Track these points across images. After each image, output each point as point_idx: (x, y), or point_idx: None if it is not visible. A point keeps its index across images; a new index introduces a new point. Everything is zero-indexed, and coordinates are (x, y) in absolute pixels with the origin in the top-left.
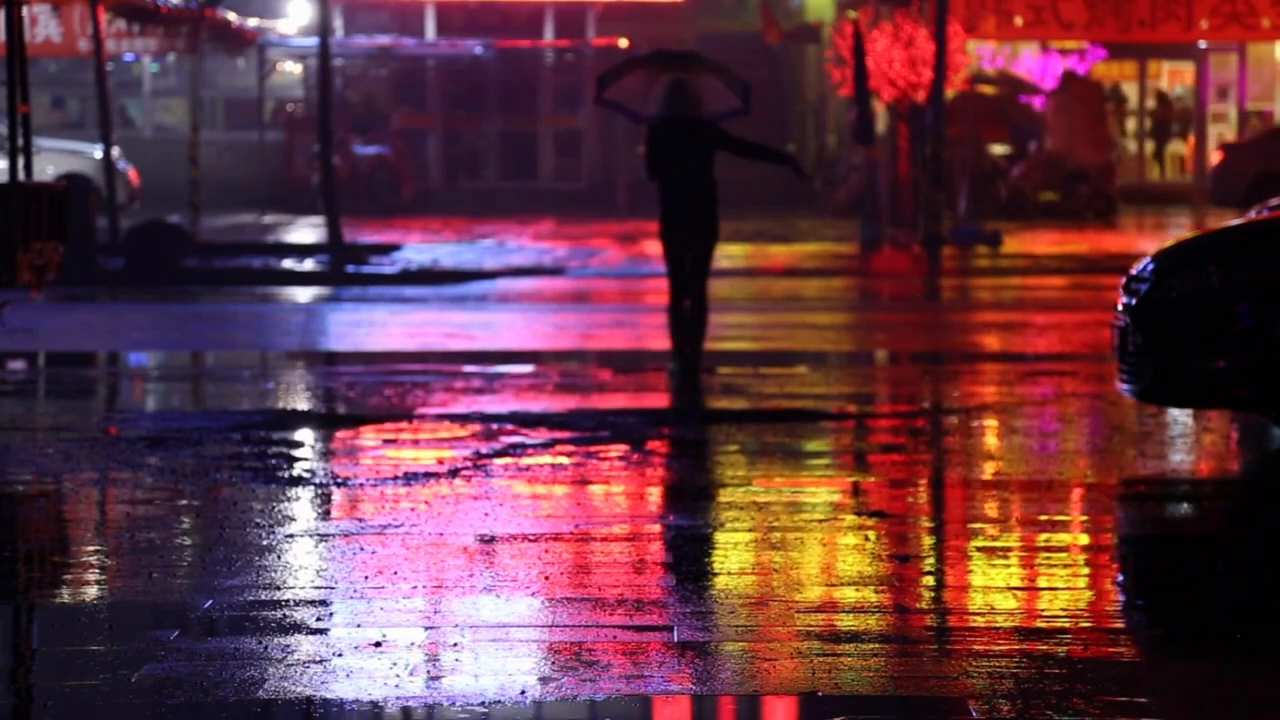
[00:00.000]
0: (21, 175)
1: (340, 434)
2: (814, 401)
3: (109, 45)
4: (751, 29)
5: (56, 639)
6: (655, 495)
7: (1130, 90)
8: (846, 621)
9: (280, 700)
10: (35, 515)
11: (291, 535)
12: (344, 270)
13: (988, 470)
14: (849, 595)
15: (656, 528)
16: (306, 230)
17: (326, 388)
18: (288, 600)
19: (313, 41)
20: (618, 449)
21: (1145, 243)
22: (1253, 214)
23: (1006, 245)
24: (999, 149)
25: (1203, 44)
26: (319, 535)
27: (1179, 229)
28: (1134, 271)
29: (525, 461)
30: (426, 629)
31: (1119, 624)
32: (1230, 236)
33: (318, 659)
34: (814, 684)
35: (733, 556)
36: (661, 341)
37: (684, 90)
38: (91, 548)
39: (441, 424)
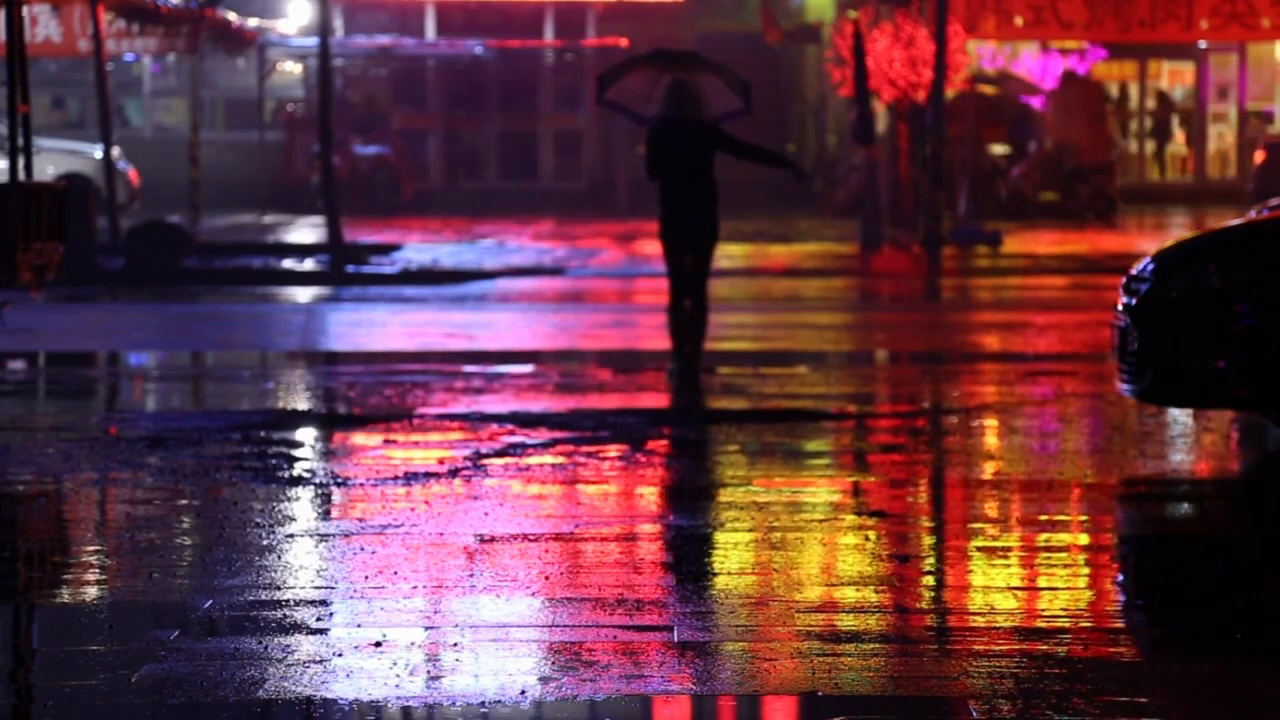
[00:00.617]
0: (21, 175)
1: (340, 434)
2: (814, 401)
3: (109, 45)
4: (751, 29)
5: (56, 639)
6: (655, 495)
7: (1130, 90)
8: (846, 621)
9: (280, 700)
10: (35, 515)
11: (291, 535)
12: (344, 270)
13: (988, 470)
14: (849, 595)
15: (656, 528)
16: (306, 230)
17: (327, 388)
18: (288, 600)
19: (313, 41)
20: (618, 449)
21: (1145, 243)
22: (1253, 214)
23: (1006, 245)
24: (999, 149)
25: (1203, 44)
26: (319, 535)
27: (1179, 229)
28: (1134, 271)
29: (525, 461)
30: (426, 629)
31: (1119, 624)
32: (1230, 236)
33: (318, 659)
34: (814, 684)
35: (733, 556)
36: (661, 341)
37: (685, 90)
38: (91, 548)
39: (441, 424)
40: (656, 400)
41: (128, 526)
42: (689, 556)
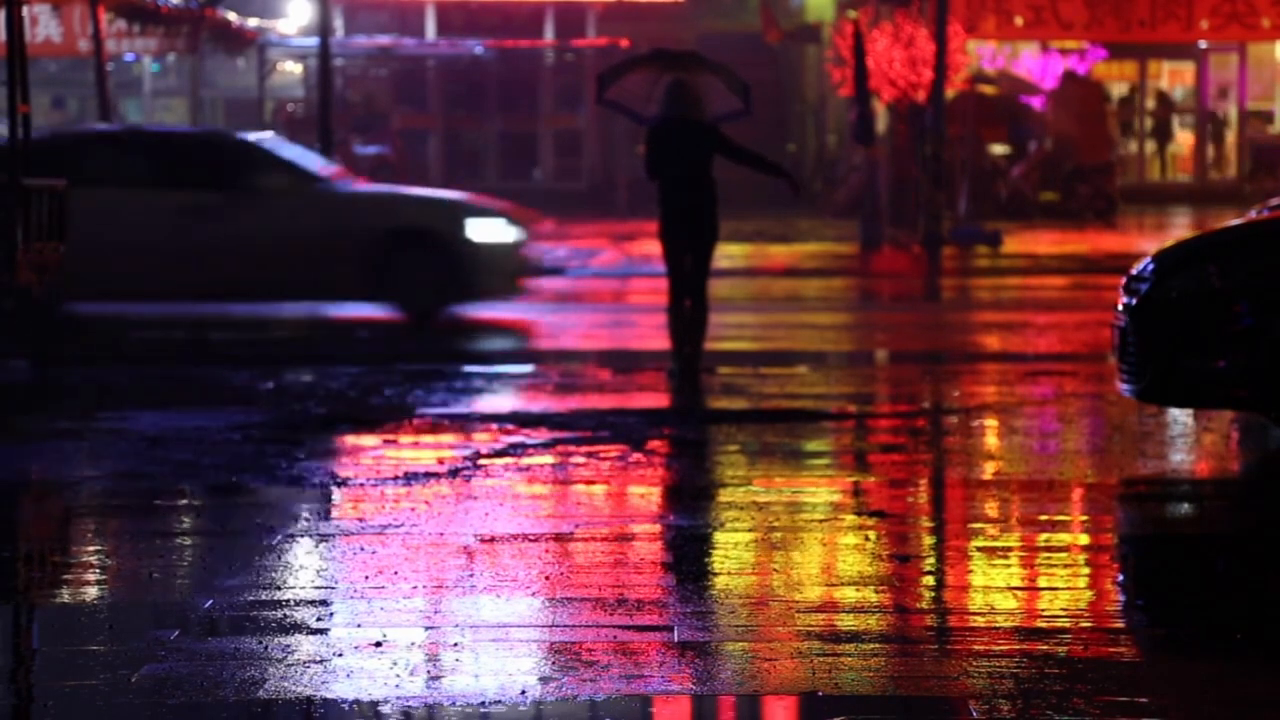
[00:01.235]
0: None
1: (340, 434)
2: (814, 401)
3: (109, 45)
4: (751, 29)
5: (56, 639)
6: (655, 495)
7: (1133, 90)
8: (846, 621)
9: (280, 700)
10: (35, 515)
11: (291, 535)
12: None
13: (988, 470)
14: (849, 595)
15: (656, 528)
16: None
17: (327, 387)
18: (288, 600)
19: (313, 41)
20: (618, 449)
21: (1145, 243)
22: (1253, 214)
23: (1006, 245)
24: (999, 149)
25: (1203, 44)
26: (319, 535)
27: (1179, 229)
28: (1134, 271)
29: (525, 461)
30: (427, 629)
31: (1119, 624)
32: (1230, 236)
33: (318, 659)
34: (814, 684)
35: (733, 556)
36: (661, 341)
37: (685, 91)
38: (91, 548)
39: (441, 424)
40: (656, 400)
41: (128, 526)
42: (689, 556)
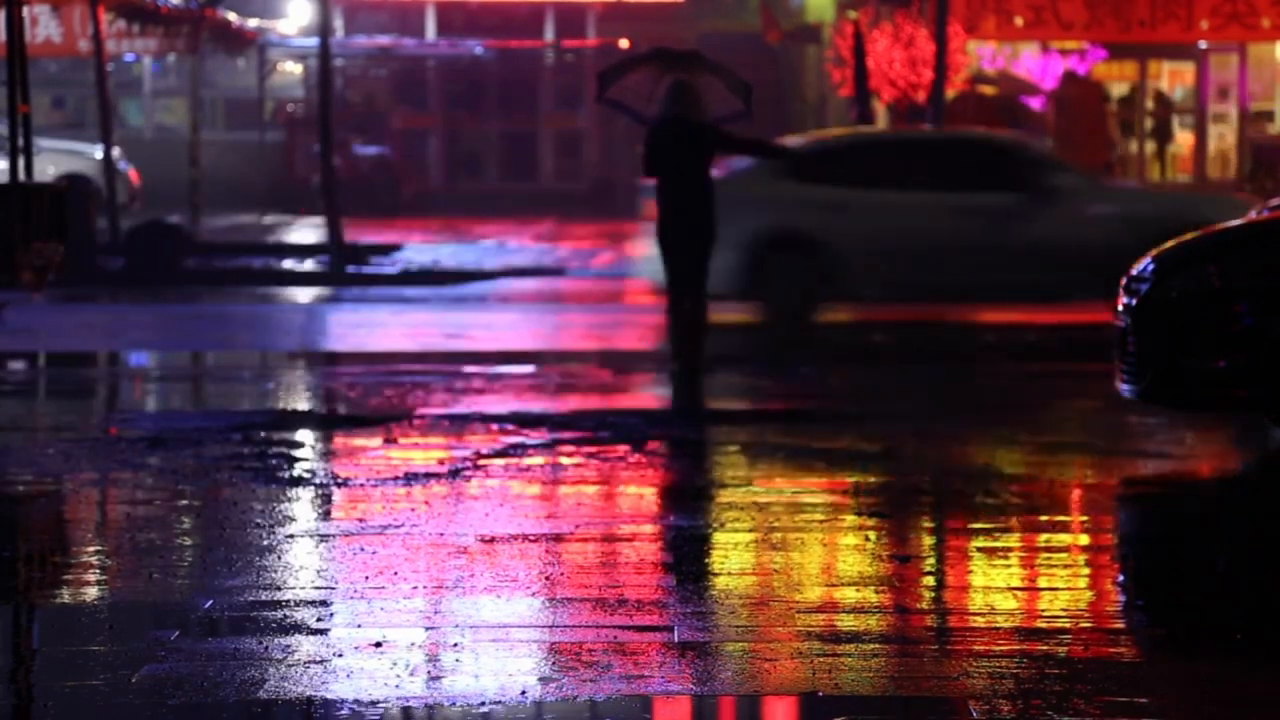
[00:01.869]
0: (21, 175)
1: (340, 434)
2: (814, 401)
3: (109, 45)
4: (751, 29)
5: (56, 639)
6: (655, 495)
7: (1127, 90)
8: (847, 621)
9: (280, 700)
10: (35, 515)
11: (291, 535)
12: (344, 270)
13: (988, 470)
14: (849, 595)
15: (657, 528)
16: (307, 230)
17: (327, 388)
18: (288, 600)
19: (313, 41)
20: (618, 449)
21: None
22: (1253, 214)
23: None
24: None
25: (1203, 44)
26: (319, 535)
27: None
28: (1134, 271)
29: (526, 462)
30: (427, 629)
31: (1119, 624)
32: (1230, 236)
33: (318, 659)
34: (814, 684)
35: (733, 556)
36: (661, 342)
37: (685, 91)
38: (91, 548)
39: (442, 424)
40: (656, 400)
41: (128, 526)
42: (689, 557)
